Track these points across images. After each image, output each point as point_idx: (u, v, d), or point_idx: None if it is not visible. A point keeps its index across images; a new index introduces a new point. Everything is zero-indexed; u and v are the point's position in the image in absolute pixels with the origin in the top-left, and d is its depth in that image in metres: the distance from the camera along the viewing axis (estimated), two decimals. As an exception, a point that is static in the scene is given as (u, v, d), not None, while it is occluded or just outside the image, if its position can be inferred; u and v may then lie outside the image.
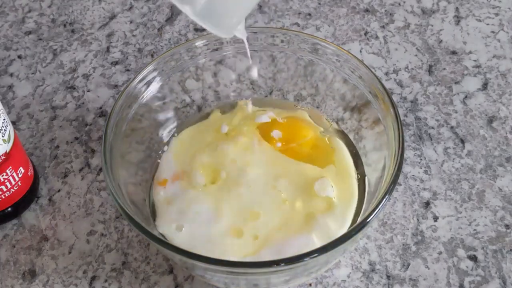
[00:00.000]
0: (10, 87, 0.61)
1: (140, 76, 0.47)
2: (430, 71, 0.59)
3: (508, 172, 0.51)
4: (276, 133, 0.47)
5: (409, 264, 0.46)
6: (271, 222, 0.43)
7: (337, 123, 0.50)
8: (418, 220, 0.49)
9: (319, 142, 0.48)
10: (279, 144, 0.47)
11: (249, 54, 0.46)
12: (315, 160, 0.46)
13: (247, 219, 0.43)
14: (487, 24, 0.63)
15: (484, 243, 0.47)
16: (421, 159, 0.52)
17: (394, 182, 0.40)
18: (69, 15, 0.67)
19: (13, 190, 0.48)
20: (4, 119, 0.45)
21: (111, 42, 0.64)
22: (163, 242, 0.39)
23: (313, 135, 0.48)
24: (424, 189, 0.51)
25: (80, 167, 0.54)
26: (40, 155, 0.55)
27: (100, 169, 0.53)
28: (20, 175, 0.48)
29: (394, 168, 0.40)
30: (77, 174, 0.53)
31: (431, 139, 0.54)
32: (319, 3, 0.66)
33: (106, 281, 0.47)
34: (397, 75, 0.59)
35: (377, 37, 0.62)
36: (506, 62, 0.60)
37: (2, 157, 0.45)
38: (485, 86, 0.58)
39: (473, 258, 0.47)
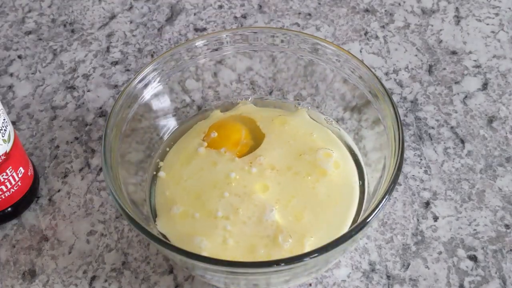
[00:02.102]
0: (10, 87, 0.61)
1: (140, 76, 0.47)
2: (430, 71, 0.59)
3: (508, 172, 0.51)
4: (223, 149, 0.47)
5: (409, 264, 0.46)
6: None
7: (337, 123, 0.50)
8: (418, 220, 0.49)
9: (254, 130, 0.49)
10: (232, 153, 0.47)
11: None
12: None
13: None
14: (487, 24, 0.63)
15: (484, 243, 0.47)
16: (421, 159, 0.52)
17: (394, 182, 0.40)
18: (69, 15, 0.67)
19: (13, 190, 0.48)
20: (4, 119, 0.45)
21: (111, 42, 0.64)
22: (163, 242, 0.39)
23: (245, 128, 0.49)
24: (424, 189, 0.51)
25: (80, 167, 0.54)
26: (40, 155, 0.55)
27: (100, 169, 0.53)
28: (20, 175, 0.48)
29: (394, 168, 0.40)
30: (77, 174, 0.53)
31: (431, 139, 0.54)
32: (319, 3, 0.66)
33: (106, 281, 0.47)
34: (397, 75, 0.59)
35: (377, 37, 0.62)
36: (506, 62, 0.60)
37: (2, 157, 0.45)
38: (485, 86, 0.58)
39: (473, 258, 0.47)
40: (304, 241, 0.42)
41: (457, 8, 0.65)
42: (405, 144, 0.53)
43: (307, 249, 0.41)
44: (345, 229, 0.43)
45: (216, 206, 0.43)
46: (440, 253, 0.47)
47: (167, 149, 0.49)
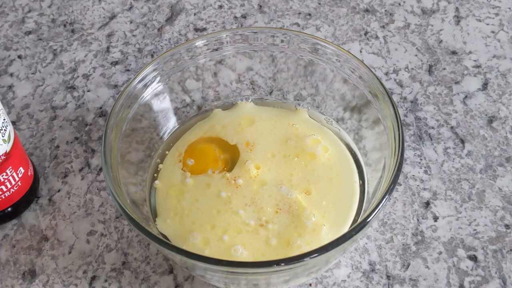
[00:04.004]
0: (10, 87, 0.61)
1: (140, 76, 0.47)
2: (430, 71, 0.59)
3: (508, 172, 0.51)
4: (210, 170, 0.47)
5: (409, 264, 0.46)
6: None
7: (337, 123, 0.50)
8: (418, 220, 0.49)
9: (223, 144, 0.48)
10: (219, 171, 0.47)
11: None
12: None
13: None
14: (487, 24, 0.63)
15: (484, 243, 0.47)
16: (421, 159, 0.52)
17: (394, 182, 0.40)
18: (69, 15, 0.67)
19: (13, 190, 0.48)
20: (4, 119, 0.45)
21: (111, 42, 0.64)
22: (163, 242, 0.39)
23: (216, 147, 0.48)
24: (424, 189, 0.51)
25: (80, 167, 0.54)
26: (40, 155, 0.55)
27: (100, 169, 0.53)
28: (20, 175, 0.48)
29: (394, 168, 0.40)
30: (77, 174, 0.53)
31: (431, 139, 0.54)
32: (319, 3, 0.66)
33: (106, 281, 0.47)
34: (397, 75, 0.59)
35: (377, 37, 0.62)
36: (506, 62, 0.60)
37: (2, 157, 0.45)
38: (485, 86, 0.58)
39: (473, 258, 0.47)
40: (322, 220, 0.43)
41: (457, 8, 0.65)
42: (405, 144, 0.53)
43: (324, 231, 0.43)
44: (345, 229, 0.43)
45: (242, 220, 0.44)
46: (440, 253, 0.47)
47: (166, 152, 0.49)
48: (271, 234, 0.43)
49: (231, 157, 0.48)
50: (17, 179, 0.48)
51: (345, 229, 0.43)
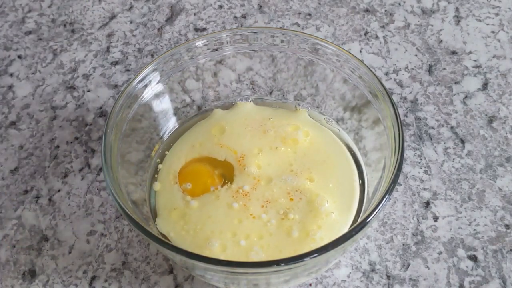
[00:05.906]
0: (10, 87, 0.61)
1: (140, 76, 0.47)
2: (430, 71, 0.59)
3: (508, 172, 0.51)
4: (211, 187, 0.46)
5: (409, 264, 0.46)
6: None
7: (337, 123, 0.50)
8: (418, 220, 0.49)
9: (212, 161, 0.48)
10: (221, 185, 0.47)
11: None
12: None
13: None
14: (487, 24, 0.63)
15: (484, 243, 0.47)
16: (421, 159, 0.52)
17: (394, 182, 0.40)
18: (69, 15, 0.67)
19: None
20: None
21: (111, 42, 0.64)
22: (163, 242, 0.39)
23: (206, 165, 0.48)
24: (424, 189, 0.51)
25: (80, 167, 0.54)
26: (40, 155, 0.55)
27: (100, 169, 0.53)
28: None
29: (394, 168, 0.40)
30: (77, 174, 0.53)
31: (431, 139, 0.54)
32: (319, 3, 0.66)
33: (106, 281, 0.47)
34: (397, 75, 0.59)
35: (377, 37, 0.62)
36: (506, 62, 0.60)
37: None
38: (485, 86, 0.58)
39: (473, 258, 0.47)
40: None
41: (457, 8, 0.65)
42: (405, 144, 0.53)
43: (333, 219, 0.43)
44: (346, 229, 0.43)
45: (264, 222, 0.43)
46: (440, 253, 0.47)
47: (166, 152, 0.49)
48: (294, 225, 0.43)
49: (225, 170, 0.47)
50: None
51: (345, 229, 0.43)
